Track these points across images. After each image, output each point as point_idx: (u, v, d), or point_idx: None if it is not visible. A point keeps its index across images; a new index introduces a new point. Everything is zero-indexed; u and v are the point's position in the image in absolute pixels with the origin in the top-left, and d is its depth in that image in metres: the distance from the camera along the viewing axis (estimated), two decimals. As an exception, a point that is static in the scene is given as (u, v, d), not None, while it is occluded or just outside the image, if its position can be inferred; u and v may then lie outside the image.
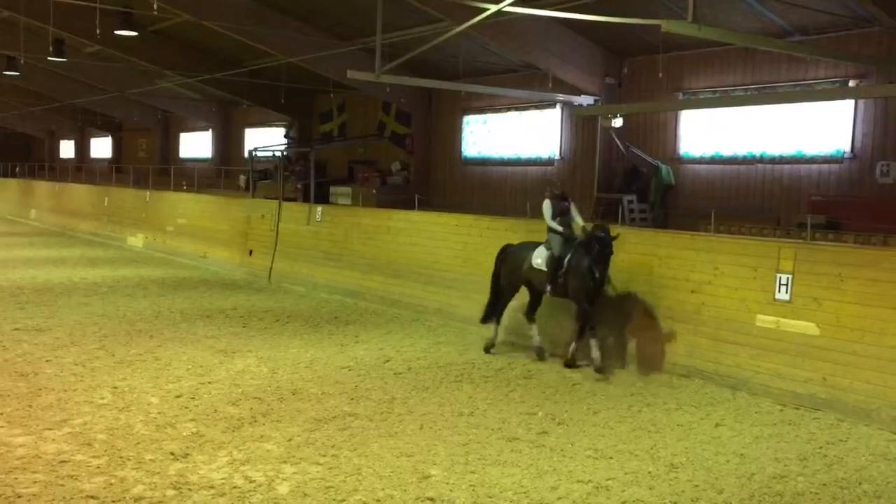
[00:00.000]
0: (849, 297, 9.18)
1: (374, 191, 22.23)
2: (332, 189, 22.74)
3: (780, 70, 15.79)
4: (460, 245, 14.77)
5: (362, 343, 12.17)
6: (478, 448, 7.51)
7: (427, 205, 18.05)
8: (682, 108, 17.68)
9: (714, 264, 10.63)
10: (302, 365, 10.57)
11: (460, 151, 23.42)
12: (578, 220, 11.14)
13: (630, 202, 17.48)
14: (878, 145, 14.59)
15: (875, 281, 8.99)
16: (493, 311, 11.90)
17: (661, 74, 16.13)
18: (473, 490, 6.49)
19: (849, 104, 14.92)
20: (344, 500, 6.24)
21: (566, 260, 10.76)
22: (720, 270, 10.53)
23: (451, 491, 6.46)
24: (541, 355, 11.39)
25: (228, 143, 33.65)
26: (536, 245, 11.38)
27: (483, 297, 13.94)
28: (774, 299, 9.86)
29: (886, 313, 8.81)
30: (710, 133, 17.26)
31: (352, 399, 9.03)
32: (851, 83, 14.88)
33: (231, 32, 20.85)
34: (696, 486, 6.77)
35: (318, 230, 18.43)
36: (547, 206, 11.18)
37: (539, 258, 11.15)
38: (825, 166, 15.34)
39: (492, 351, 11.68)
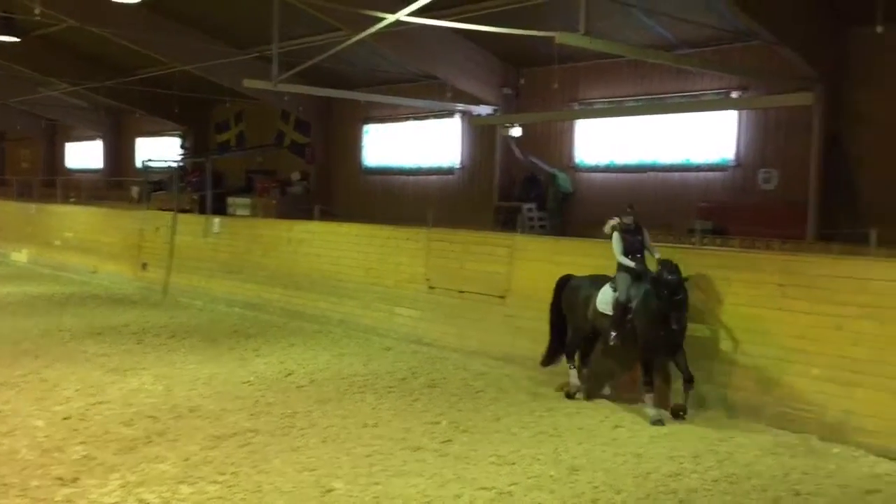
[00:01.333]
0: (735, 299, 9.56)
1: (274, 201, 21.89)
2: (230, 200, 22.27)
3: (668, 81, 16.40)
4: (362, 255, 14.70)
5: (263, 357, 11.93)
6: (382, 459, 7.45)
7: (328, 215, 17.88)
8: (576, 118, 18.14)
9: (611, 271, 10.88)
10: (200, 381, 10.26)
11: (361, 161, 23.33)
12: (654, 255, 9.48)
13: (529, 210, 17.78)
14: (759, 154, 15.34)
15: (759, 283, 9.40)
16: (554, 353, 10.30)
17: (556, 85, 16.49)
18: (377, 502, 6.44)
19: (733, 114, 15.64)
20: (244, 519, 6.08)
21: (633, 303, 9.27)
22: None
23: (354, 504, 6.39)
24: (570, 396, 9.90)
25: (119, 153, 32.47)
26: (602, 281, 9.76)
27: (386, 307, 13.96)
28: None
29: (770, 314, 9.22)
30: (604, 143, 17.75)
31: (252, 414, 8.83)
32: (734, 94, 15.60)
33: (120, 39, 20.16)
34: (596, 487, 6.91)
35: (216, 242, 17.99)
36: (617, 240, 9.54)
37: (605, 301, 9.57)
38: (711, 174, 16.01)
39: (577, 396, 9.89)
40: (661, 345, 9.12)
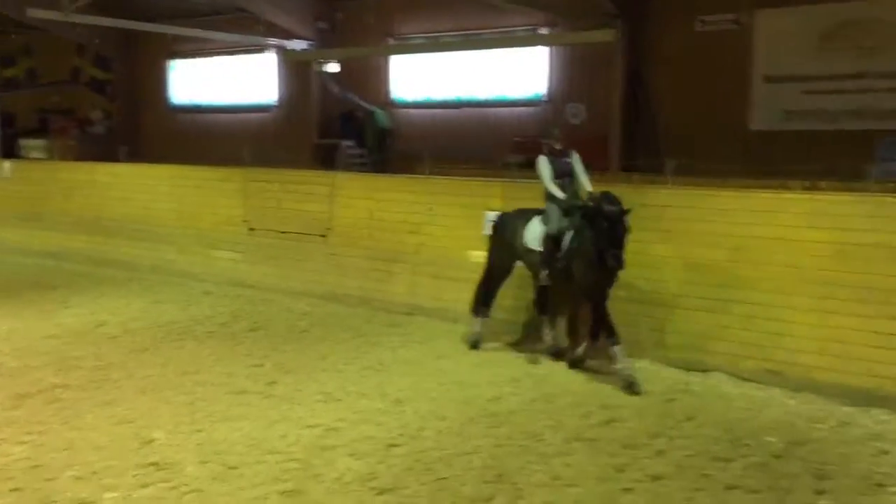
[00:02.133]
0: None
1: (73, 143, 20.38)
2: (23, 142, 20.47)
3: (481, 17, 16.60)
4: (175, 198, 14.05)
5: (71, 308, 11.21)
6: (204, 406, 7.27)
7: (137, 156, 16.88)
8: (391, 54, 18.04)
9: (430, 205, 11.06)
10: (-3, 338, 9.51)
11: (169, 98, 22.11)
12: (585, 183, 8.47)
13: (348, 147, 17.64)
14: (567, 89, 15.96)
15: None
16: (485, 300, 9.33)
17: (371, 20, 16.27)
18: (200, 448, 6.29)
19: (543, 51, 16.12)
20: (55, 478, 5.74)
21: (566, 239, 8.33)
22: (436, 211, 10.98)
23: (176, 453, 6.20)
24: (557, 355, 8.91)
25: None
26: (533, 214, 8.81)
27: (203, 250, 13.48)
28: (486, 235, 10.48)
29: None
30: (421, 79, 17.81)
31: (60, 369, 8.30)
32: (543, 31, 16.06)
33: None
34: (422, 416, 7.10)
35: (7, 188, 16.55)
36: (544, 163, 8.51)
37: (532, 234, 8.65)
38: (524, 109, 16.51)
39: (479, 346, 9.21)
40: (600, 285, 8.10)
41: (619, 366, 7.98)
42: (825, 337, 7.86)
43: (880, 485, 5.87)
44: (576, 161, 8.62)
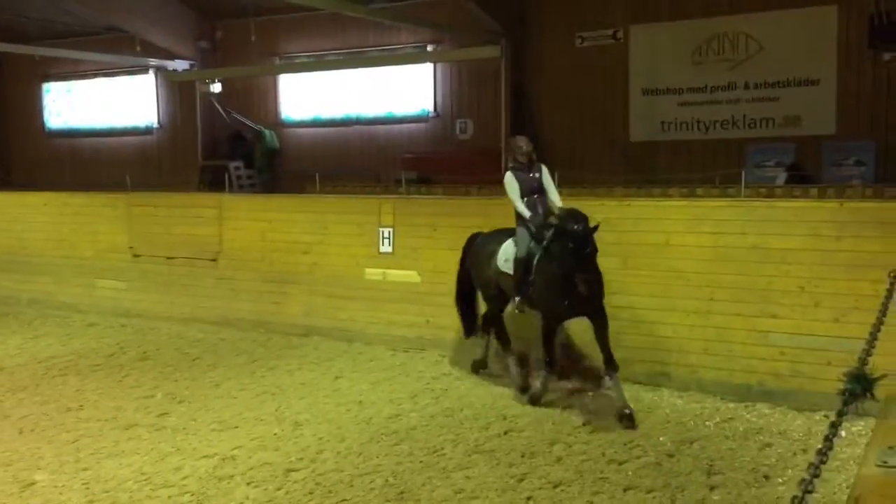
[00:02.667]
0: (442, 244, 10.04)
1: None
2: None
3: (367, 35, 16.65)
4: (53, 226, 13.43)
5: (-62, 348, 10.51)
6: (90, 443, 6.93)
7: (8, 184, 16.05)
8: (276, 73, 17.86)
9: (322, 224, 10.96)
10: None
11: (44, 123, 21.14)
12: (555, 199, 7.72)
13: (237, 168, 17.30)
14: (455, 104, 16.18)
15: (463, 228, 9.94)
16: (469, 323, 8.83)
17: (254, 38, 16.07)
18: (87, 488, 5.99)
19: (429, 67, 16.28)
20: (-74, 532, 5.37)
21: (535, 261, 7.56)
22: (329, 230, 10.89)
23: (61, 494, 5.88)
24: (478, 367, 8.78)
25: None
26: (508, 235, 8.03)
27: (85, 280, 12.93)
28: (379, 252, 10.46)
29: (473, 255, 9.81)
30: (309, 97, 17.68)
31: (-72, 414, 7.76)
32: (429, 48, 16.23)
33: None
34: (321, 439, 6.99)
35: None
36: (510, 180, 7.74)
37: (504, 257, 7.93)
38: (413, 126, 16.63)
39: (481, 371, 8.77)
40: (568, 313, 7.60)
41: (614, 395, 7.50)
42: (708, 337, 8.19)
43: (766, 476, 6.14)
44: (545, 175, 7.82)
